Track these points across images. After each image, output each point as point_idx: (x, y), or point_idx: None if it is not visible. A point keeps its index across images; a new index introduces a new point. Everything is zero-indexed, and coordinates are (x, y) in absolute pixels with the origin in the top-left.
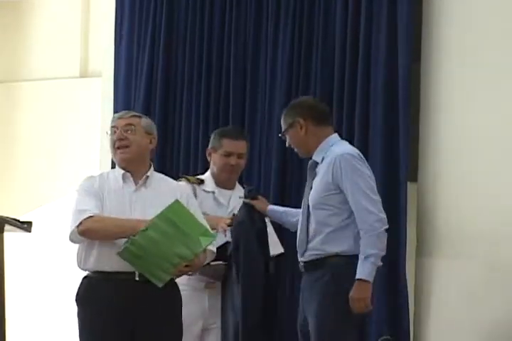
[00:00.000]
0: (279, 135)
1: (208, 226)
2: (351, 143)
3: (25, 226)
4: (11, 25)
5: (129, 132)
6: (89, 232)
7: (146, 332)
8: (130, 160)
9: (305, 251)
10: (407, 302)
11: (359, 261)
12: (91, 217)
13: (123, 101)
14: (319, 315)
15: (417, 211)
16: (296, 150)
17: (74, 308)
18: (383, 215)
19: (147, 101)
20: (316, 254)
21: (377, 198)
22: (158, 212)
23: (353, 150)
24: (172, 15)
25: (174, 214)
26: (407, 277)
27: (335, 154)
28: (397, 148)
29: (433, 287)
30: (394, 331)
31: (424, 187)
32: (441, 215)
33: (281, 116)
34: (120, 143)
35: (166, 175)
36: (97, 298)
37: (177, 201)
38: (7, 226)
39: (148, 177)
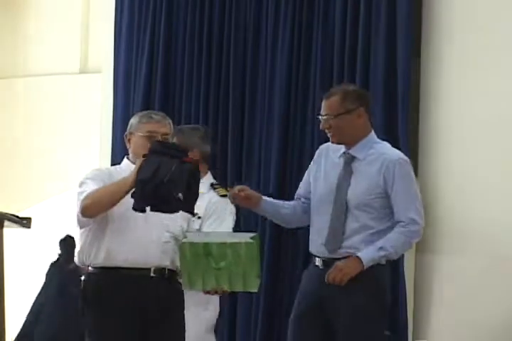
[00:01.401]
0: (321, 116)
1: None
2: None
3: (25, 222)
4: (11, 20)
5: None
6: (87, 208)
7: (158, 332)
8: None
9: (339, 248)
10: (405, 299)
11: (371, 246)
12: (87, 194)
13: (122, 96)
14: (362, 311)
15: None
16: (331, 134)
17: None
18: (422, 227)
19: (146, 97)
20: (353, 253)
21: (422, 208)
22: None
23: (404, 155)
24: (172, 11)
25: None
26: (408, 273)
27: (387, 157)
28: (397, 143)
29: (433, 283)
30: (392, 327)
31: (424, 183)
32: (441, 211)
33: (332, 98)
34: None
35: None
36: (108, 298)
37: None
38: (6, 222)
39: None
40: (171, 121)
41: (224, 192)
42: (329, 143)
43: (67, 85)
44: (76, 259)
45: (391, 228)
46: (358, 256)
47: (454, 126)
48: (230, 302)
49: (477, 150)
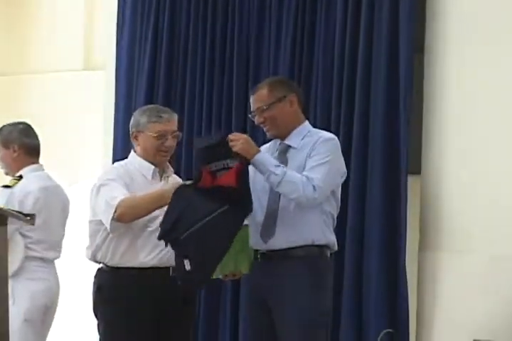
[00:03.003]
0: (253, 112)
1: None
2: (350, 132)
3: (29, 218)
4: (14, 17)
5: (175, 138)
6: (124, 215)
7: (170, 332)
8: (166, 161)
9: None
10: (407, 297)
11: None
12: (122, 201)
13: (124, 93)
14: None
15: (420, 204)
16: (267, 128)
17: (77, 302)
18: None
19: (149, 94)
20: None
21: (329, 186)
22: None
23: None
24: (175, 7)
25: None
26: (411, 271)
27: (316, 138)
28: (398, 139)
29: (436, 280)
30: (394, 326)
31: (427, 180)
32: (445, 208)
33: (260, 91)
34: (169, 150)
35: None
36: (128, 298)
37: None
38: (10, 219)
39: (172, 171)
40: (176, 115)
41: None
42: (266, 145)
43: (71, 82)
44: (88, 254)
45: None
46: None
47: (458, 124)
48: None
49: (481, 148)
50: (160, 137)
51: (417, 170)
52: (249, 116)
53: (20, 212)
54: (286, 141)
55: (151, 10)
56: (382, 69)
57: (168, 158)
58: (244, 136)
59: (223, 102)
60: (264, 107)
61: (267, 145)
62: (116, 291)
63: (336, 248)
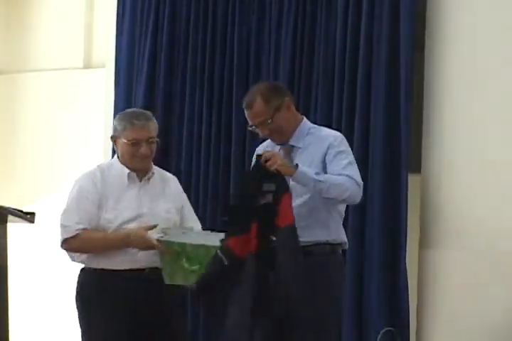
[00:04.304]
0: (254, 126)
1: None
2: (351, 130)
3: (29, 217)
4: (15, 15)
5: (152, 144)
6: (73, 249)
7: (150, 334)
8: (149, 166)
9: None
10: (408, 296)
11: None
12: (77, 234)
13: (124, 92)
14: None
15: (420, 203)
16: (273, 137)
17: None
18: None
19: (148, 93)
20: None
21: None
22: (165, 203)
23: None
24: (175, 5)
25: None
26: (411, 270)
27: (328, 134)
28: (398, 137)
29: (437, 279)
30: (394, 325)
31: (428, 179)
32: (445, 207)
33: (255, 105)
34: (145, 156)
35: (167, 167)
36: (108, 299)
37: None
38: (10, 217)
39: (153, 173)
40: (155, 121)
41: None
42: (263, 144)
43: (71, 80)
44: (69, 256)
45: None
46: (297, 164)
47: (459, 121)
48: None
49: (483, 146)
50: (134, 144)
51: (417, 168)
52: (249, 129)
53: (20, 211)
54: (292, 142)
55: (151, 7)
56: (382, 67)
57: (147, 163)
58: (273, 152)
59: (223, 100)
60: (269, 121)
61: (264, 144)
62: (94, 291)
63: (347, 246)
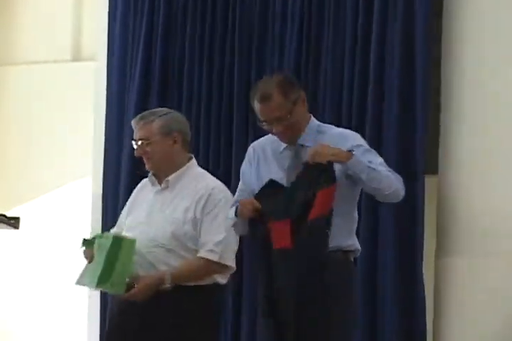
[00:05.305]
0: (266, 122)
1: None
2: (363, 128)
3: (13, 222)
4: (0, 5)
5: (146, 145)
6: None
7: None
8: (156, 168)
9: None
10: (424, 307)
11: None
12: None
13: (117, 86)
14: None
15: (437, 207)
16: (284, 135)
17: (63, 304)
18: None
19: (143, 88)
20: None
21: None
22: (168, 215)
23: None
24: None
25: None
26: (427, 279)
27: (346, 134)
28: (413, 135)
29: (454, 289)
30: (410, 339)
31: (445, 180)
32: (463, 211)
33: (273, 98)
34: (142, 156)
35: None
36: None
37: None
38: None
39: (168, 181)
40: (149, 120)
41: None
42: (259, 141)
43: (59, 74)
44: None
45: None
46: (352, 149)
47: (479, 118)
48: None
49: (502, 147)
50: (134, 145)
51: (433, 169)
52: (260, 124)
53: (3, 215)
54: (301, 141)
55: None
56: (396, 60)
57: (149, 165)
58: (320, 144)
59: (223, 96)
60: (288, 116)
61: (266, 138)
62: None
63: (359, 253)
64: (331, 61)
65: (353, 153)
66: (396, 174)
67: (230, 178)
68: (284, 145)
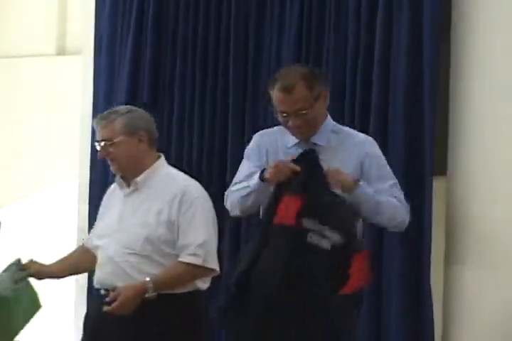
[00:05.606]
0: (285, 113)
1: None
2: (367, 126)
3: None
4: None
5: (108, 146)
6: None
7: None
8: (122, 170)
9: None
10: (432, 319)
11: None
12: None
13: (104, 81)
14: None
15: (445, 211)
16: (302, 130)
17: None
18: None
19: (133, 83)
20: None
21: None
22: (140, 219)
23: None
24: None
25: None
26: (435, 289)
27: (361, 140)
28: (421, 134)
29: (464, 300)
30: None
31: (454, 183)
32: (474, 215)
33: (297, 89)
34: (105, 158)
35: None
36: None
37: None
38: None
39: (137, 182)
40: (111, 119)
41: None
42: (268, 130)
43: (43, 68)
44: None
45: None
46: (358, 179)
47: (489, 117)
48: None
49: None
50: (97, 146)
51: (442, 170)
52: (276, 116)
53: None
54: (314, 140)
55: None
56: (403, 60)
57: (114, 167)
58: (334, 168)
59: (217, 94)
60: (309, 110)
61: (275, 130)
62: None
63: None
64: (333, 50)
65: (360, 183)
66: (403, 201)
67: (224, 179)
68: (294, 141)
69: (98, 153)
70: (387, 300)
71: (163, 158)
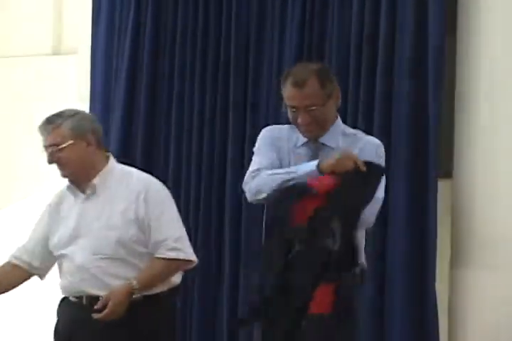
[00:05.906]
0: (297, 108)
1: None
2: (370, 127)
3: None
4: None
5: (57, 151)
6: None
7: None
8: (74, 175)
9: None
10: (437, 324)
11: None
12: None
13: (101, 82)
14: None
15: (451, 213)
16: (311, 129)
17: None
18: None
19: (130, 83)
20: None
21: None
22: (106, 222)
23: None
24: None
25: None
26: (440, 293)
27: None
28: (426, 135)
29: (471, 303)
30: None
31: (459, 185)
32: (480, 218)
33: (308, 85)
34: (56, 165)
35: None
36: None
37: None
38: None
39: (95, 185)
40: (57, 124)
41: None
42: (277, 126)
43: (39, 68)
44: None
45: None
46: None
47: (497, 117)
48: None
49: None
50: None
51: (447, 173)
52: (286, 110)
53: None
54: (323, 140)
55: None
56: (406, 52)
57: (64, 172)
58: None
59: (218, 93)
60: (320, 107)
61: (283, 127)
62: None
63: (365, 266)
64: (336, 47)
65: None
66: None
67: (224, 179)
68: (303, 140)
69: (47, 159)
70: (391, 302)
71: (112, 156)
